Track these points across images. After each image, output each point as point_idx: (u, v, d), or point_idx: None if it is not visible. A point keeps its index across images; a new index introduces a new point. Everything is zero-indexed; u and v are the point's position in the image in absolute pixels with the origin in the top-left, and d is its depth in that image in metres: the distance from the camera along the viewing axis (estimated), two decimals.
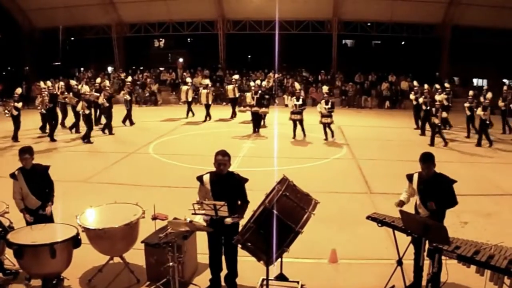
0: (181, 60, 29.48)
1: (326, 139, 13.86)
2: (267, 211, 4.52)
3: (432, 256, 4.21)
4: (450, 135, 15.00)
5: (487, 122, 13.15)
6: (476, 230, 6.76)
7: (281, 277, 5.12)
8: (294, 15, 23.81)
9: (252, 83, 16.75)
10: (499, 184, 9.48)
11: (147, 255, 5.26)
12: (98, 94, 14.72)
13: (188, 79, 19.82)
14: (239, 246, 4.77)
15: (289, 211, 4.61)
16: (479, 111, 13.28)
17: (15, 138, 13.40)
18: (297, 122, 14.01)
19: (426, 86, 15.52)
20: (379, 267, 5.60)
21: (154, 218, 5.35)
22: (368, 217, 5.26)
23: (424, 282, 4.56)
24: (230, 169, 5.13)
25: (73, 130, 15.02)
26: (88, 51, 28.62)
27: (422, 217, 4.66)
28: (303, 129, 14.14)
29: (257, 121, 15.17)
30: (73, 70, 28.00)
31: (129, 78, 19.26)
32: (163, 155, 11.87)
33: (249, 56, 32.20)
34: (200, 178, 5.05)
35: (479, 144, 13.25)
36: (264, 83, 17.11)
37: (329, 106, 13.64)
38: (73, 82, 16.87)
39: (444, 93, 15.81)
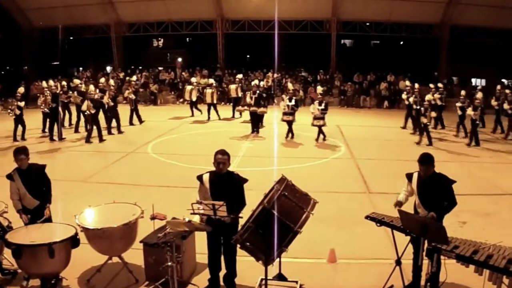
0: (180, 59, 29.46)
1: (317, 140, 13.52)
2: (266, 210, 4.52)
3: (431, 256, 4.21)
4: (441, 134, 15.07)
5: (477, 122, 13.15)
6: (475, 229, 6.76)
7: (280, 277, 5.12)
8: (293, 15, 23.81)
9: (253, 83, 16.72)
10: (497, 184, 9.50)
11: (145, 255, 5.25)
12: (103, 94, 14.71)
13: (193, 79, 19.79)
14: (238, 246, 4.77)
15: (288, 210, 4.61)
16: (469, 111, 13.30)
17: (22, 137, 13.53)
18: (289, 123, 13.62)
19: (416, 85, 15.55)
20: (378, 267, 5.61)
21: (153, 218, 5.34)
22: (366, 217, 5.25)
23: (423, 282, 4.57)
24: (230, 169, 5.13)
25: (78, 129, 15.02)
26: (87, 51, 28.60)
27: (420, 217, 4.66)
28: (291, 130, 13.84)
29: (256, 121, 15.15)
30: (72, 70, 27.99)
31: (134, 78, 19.29)
32: (161, 155, 11.86)
33: (248, 56, 32.20)
34: (200, 178, 5.05)
35: (470, 144, 13.26)
36: (262, 83, 17.07)
37: (322, 107, 13.21)
38: (77, 81, 16.91)
39: (438, 92, 15.84)
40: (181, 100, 23.29)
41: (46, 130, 14.28)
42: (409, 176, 5.12)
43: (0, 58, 25.55)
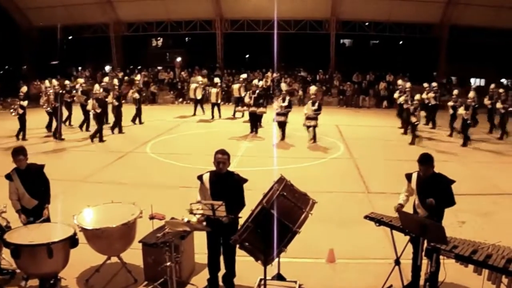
0: (179, 59, 29.46)
1: (315, 140, 13.30)
2: (264, 210, 4.51)
3: (430, 256, 4.21)
4: (431, 134, 15.10)
5: (468, 121, 13.15)
6: (474, 229, 6.77)
7: (279, 277, 5.11)
8: (292, 14, 23.83)
9: (253, 82, 16.69)
10: (496, 184, 9.50)
11: (144, 255, 5.25)
12: (107, 93, 14.69)
13: (199, 78, 19.75)
14: (237, 246, 4.76)
15: (286, 210, 4.60)
16: (461, 110, 13.29)
17: (23, 137, 13.49)
18: (280, 124, 13.43)
19: (408, 84, 15.54)
20: (377, 267, 5.61)
21: (152, 217, 5.33)
22: (365, 217, 5.25)
23: (422, 282, 4.57)
24: (230, 169, 5.12)
25: (83, 128, 15.07)
26: (86, 50, 28.58)
27: (420, 217, 4.66)
28: (284, 131, 13.66)
29: (255, 121, 15.13)
30: (70, 69, 27.95)
31: (138, 77, 19.23)
32: (160, 155, 11.85)
33: (247, 56, 32.20)
34: (200, 177, 5.05)
35: (464, 144, 13.24)
36: (261, 82, 17.04)
37: (315, 107, 12.93)
38: (80, 80, 16.95)
39: (432, 91, 15.85)
40: (181, 100, 23.31)
41: (52, 129, 14.26)
42: (409, 176, 5.12)
43: None
